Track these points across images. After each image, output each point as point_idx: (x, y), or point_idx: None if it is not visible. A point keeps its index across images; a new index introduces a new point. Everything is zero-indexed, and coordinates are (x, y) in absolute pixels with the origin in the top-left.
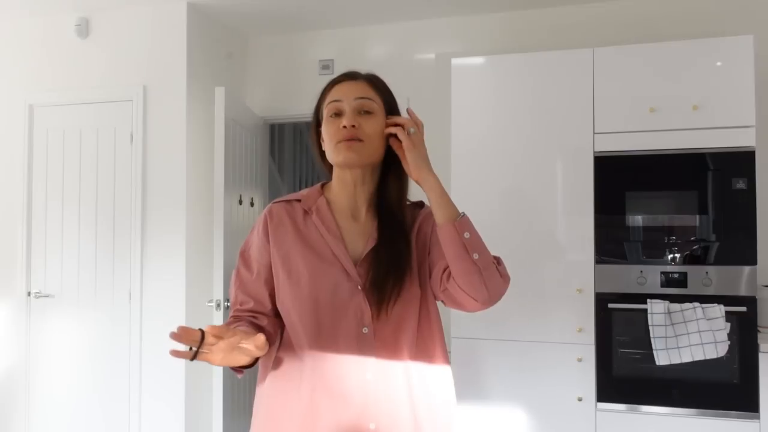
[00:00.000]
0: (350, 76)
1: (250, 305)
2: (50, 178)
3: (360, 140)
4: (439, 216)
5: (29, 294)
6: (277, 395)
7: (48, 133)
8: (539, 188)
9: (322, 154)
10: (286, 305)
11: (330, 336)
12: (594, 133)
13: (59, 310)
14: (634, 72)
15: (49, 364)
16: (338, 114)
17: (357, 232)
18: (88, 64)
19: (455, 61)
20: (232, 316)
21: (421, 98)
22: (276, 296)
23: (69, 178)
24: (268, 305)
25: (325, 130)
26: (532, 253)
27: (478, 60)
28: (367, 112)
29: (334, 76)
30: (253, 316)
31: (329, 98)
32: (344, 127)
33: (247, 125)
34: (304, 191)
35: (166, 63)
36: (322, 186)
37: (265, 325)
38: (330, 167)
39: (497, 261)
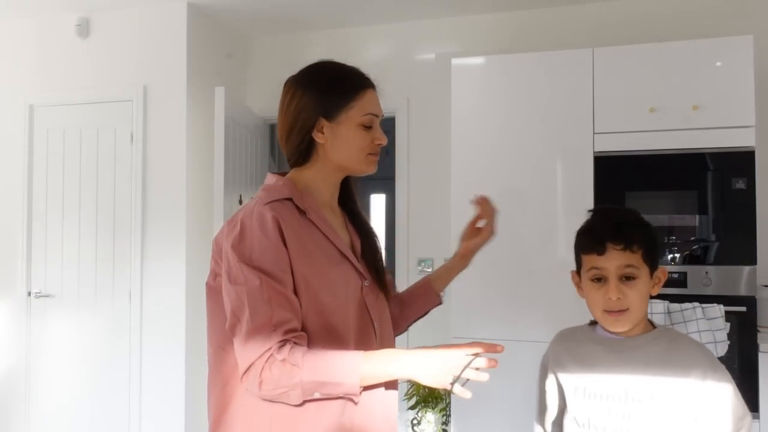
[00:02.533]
0: (372, 83)
1: (294, 324)
2: (50, 178)
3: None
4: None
5: (29, 294)
6: (317, 411)
7: (48, 133)
8: (539, 188)
9: (309, 143)
10: (320, 320)
11: (365, 337)
12: (594, 133)
13: (59, 310)
14: (634, 72)
15: (49, 364)
16: (369, 127)
17: (339, 225)
18: (88, 64)
19: (455, 61)
20: (284, 341)
21: (421, 98)
22: (309, 308)
23: (69, 177)
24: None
25: (354, 137)
26: (531, 253)
27: (478, 60)
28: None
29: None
30: (297, 339)
31: (365, 107)
32: (378, 144)
33: (247, 125)
34: (285, 189)
35: (166, 63)
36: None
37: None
38: (304, 161)
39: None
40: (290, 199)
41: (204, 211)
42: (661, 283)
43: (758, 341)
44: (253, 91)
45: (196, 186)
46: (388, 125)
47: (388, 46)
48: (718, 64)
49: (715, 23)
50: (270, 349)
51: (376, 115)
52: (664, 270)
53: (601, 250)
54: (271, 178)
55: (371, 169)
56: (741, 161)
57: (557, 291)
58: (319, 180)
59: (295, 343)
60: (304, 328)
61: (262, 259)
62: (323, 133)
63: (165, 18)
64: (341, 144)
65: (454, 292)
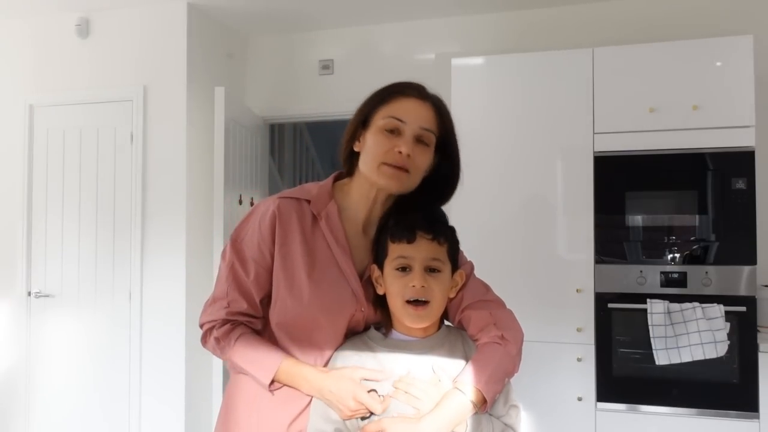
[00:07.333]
0: (420, 93)
1: (244, 307)
2: (50, 178)
3: (407, 171)
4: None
5: (29, 294)
6: (272, 407)
7: (48, 133)
8: (539, 188)
9: (351, 153)
10: (281, 318)
11: (317, 349)
12: (594, 133)
13: (59, 310)
14: (634, 72)
15: (49, 364)
16: (394, 132)
17: (365, 247)
18: (88, 64)
19: (455, 61)
20: (226, 320)
21: None
22: (272, 305)
23: (69, 178)
24: (260, 310)
25: (373, 142)
26: (532, 252)
27: (478, 60)
28: (424, 143)
29: (395, 82)
30: (249, 321)
31: (391, 111)
32: (399, 152)
33: (247, 125)
34: (314, 190)
35: (166, 63)
36: (334, 182)
37: (260, 331)
38: (350, 169)
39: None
40: (308, 201)
41: (204, 211)
42: (458, 287)
43: (758, 341)
44: (253, 91)
45: (196, 186)
46: None
47: (388, 46)
48: (718, 64)
49: (715, 23)
50: (215, 321)
51: (401, 120)
52: (463, 273)
53: (411, 238)
54: (321, 182)
55: (384, 182)
56: (741, 161)
57: (557, 290)
58: (355, 193)
59: (243, 324)
60: (271, 321)
61: (245, 244)
62: (360, 141)
63: (165, 18)
64: (365, 151)
65: None
